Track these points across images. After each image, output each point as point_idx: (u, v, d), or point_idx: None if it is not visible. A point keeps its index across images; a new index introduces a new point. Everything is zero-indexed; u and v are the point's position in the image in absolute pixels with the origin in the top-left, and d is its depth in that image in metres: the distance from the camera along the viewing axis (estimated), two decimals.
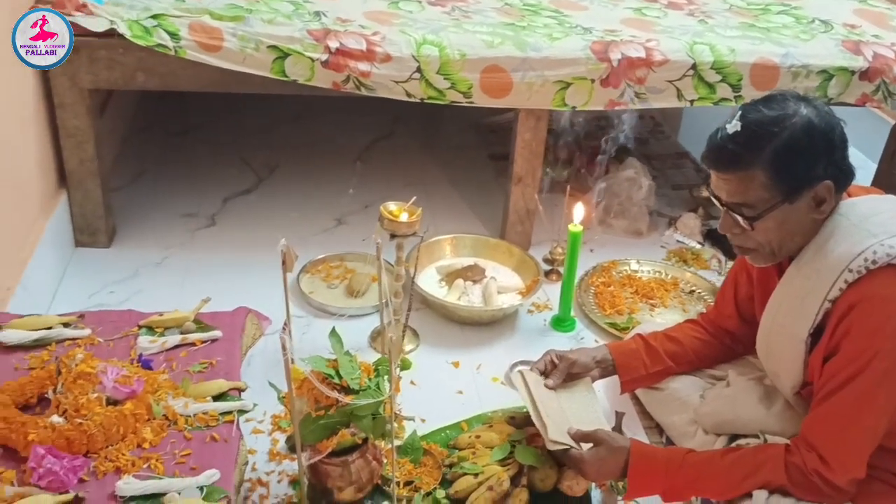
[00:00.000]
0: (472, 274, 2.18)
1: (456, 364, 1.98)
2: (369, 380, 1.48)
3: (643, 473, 1.41)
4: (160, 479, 1.34)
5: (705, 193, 2.36)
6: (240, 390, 1.58)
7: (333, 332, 1.54)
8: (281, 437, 1.73)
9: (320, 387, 1.40)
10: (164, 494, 1.31)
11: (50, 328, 1.63)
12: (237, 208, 2.53)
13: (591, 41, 2.16)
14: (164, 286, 2.15)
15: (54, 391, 1.44)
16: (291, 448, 1.66)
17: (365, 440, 1.54)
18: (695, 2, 2.56)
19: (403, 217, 1.81)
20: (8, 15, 1.16)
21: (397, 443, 1.70)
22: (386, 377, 1.47)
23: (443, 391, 1.90)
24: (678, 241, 2.46)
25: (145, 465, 1.37)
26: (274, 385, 1.57)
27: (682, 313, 2.16)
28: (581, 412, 1.60)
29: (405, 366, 1.64)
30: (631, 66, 2.14)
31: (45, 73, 2.02)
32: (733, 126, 1.30)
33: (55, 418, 1.38)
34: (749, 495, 1.34)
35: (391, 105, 2.09)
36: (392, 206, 1.84)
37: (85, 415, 1.38)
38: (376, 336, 2.00)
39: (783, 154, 1.27)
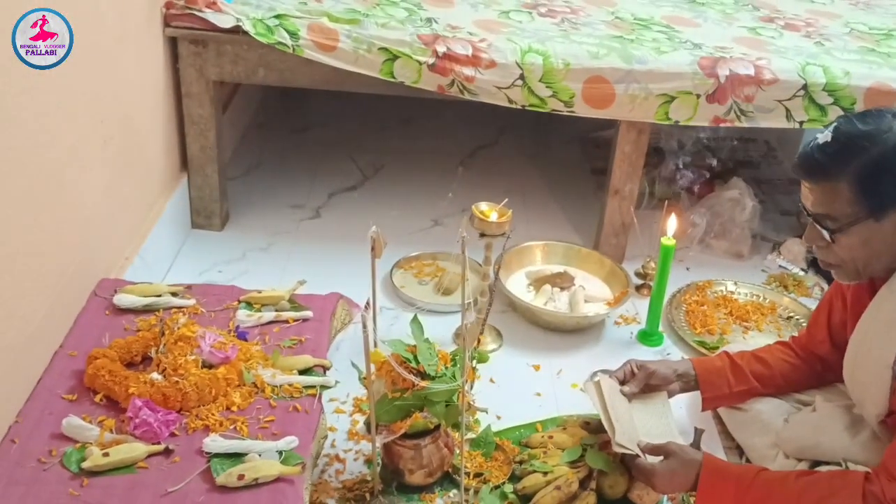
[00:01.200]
0: (561, 281, 2.20)
1: (537, 367, 2.01)
2: (445, 368, 1.54)
3: (713, 488, 1.39)
4: (243, 440, 1.44)
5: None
6: (325, 368, 1.66)
7: (415, 319, 1.61)
8: (361, 419, 1.81)
9: (398, 368, 1.46)
10: (245, 454, 1.40)
11: (159, 296, 1.76)
12: (341, 203, 2.65)
13: (700, 56, 2.15)
14: (267, 269, 2.27)
15: (157, 351, 1.57)
16: (369, 429, 1.72)
17: (437, 427, 1.59)
18: (813, 24, 2.50)
19: (493, 217, 1.85)
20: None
21: (470, 435, 1.74)
22: (461, 367, 1.51)
23: (521, 392, 1.93)
24: (780, 267, 2.40)
25: (231, 427, 1.47)
26: (356, 365, 1.64)
27: (776, 339, 2.10)
28: (652, 423, 1.60)
29: (482, 359, 1.68)
30: (739, 83, 2.12)
31: (175, 65, 2.19)
32: (825, 137, 1.29)
33: (155, 375, 1.50)
34: None
35: (497, 115, 2.13)
36: (483, 206, 1.89)
37: (182, 374, 1.50)
38: (460, 333, 2.03)
39: (871, 170, 1.26)
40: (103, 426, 1.43)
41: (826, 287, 2.33)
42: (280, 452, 1.42)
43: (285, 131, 3.07)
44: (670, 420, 1.62)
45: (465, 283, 1.48)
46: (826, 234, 1.32)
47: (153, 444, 1.40)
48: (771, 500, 1.36)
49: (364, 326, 1.36)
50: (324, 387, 1.61)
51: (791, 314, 2.22)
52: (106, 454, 1.35)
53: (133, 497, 1.31)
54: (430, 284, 2.26)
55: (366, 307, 1.40)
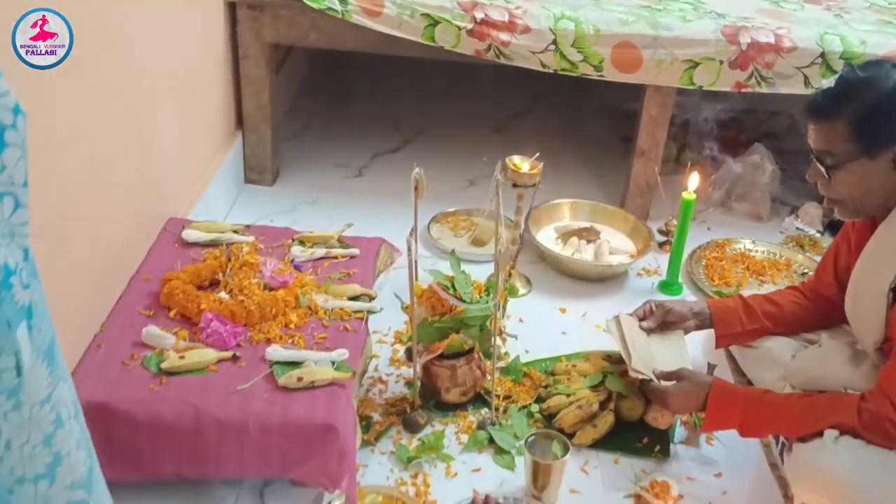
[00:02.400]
0: (587, 234, 2.34)
1: (563, 310, 2.15)
2: (480, 297, 1.71)
3: (722, 407, 1.52)
4: (300, 350, 1.62)
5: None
6: (370, 297, 1.84)
7: (452, 253, 1.78)
8: (401, 348, 1.98)
9: (439, 290, 1.63)
10: (302, 362, 1.58)
11: (222, 232, 1.95)
12: (383, 164, 2.83)
13: (723, 25, 2.28)
14: (315, 221, 2.44)
15: (224, 275, 1.76)
16: (408, 356, 1.90)
17: (471, 349, 1.76)
18: None
19: (525, 168, 2.01)
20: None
21: (500, 364, 1.90)
22: (494, 294, 1.68)
23: (548, 330, 2.07)
24: (798, 229, 2.51)
25: (290, 341, 1.65)
26: (398, 296, 1.84)
27: None
28: (668, 356, 1.72)
29: (512, 292, 1.84)
30: (760, 50, 2.25)
31: (234, 28, 2.37)
32: (829, 82, 1.44)
33: (223, 294, 1.70)
34: (820, 434, 1.43)
35: (531, 86, 2.22)
36: (516, 158, 2.05)
37: (246, 294, 1.69)
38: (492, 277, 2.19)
39: (866, 112, 1.39)
40: (178, 336, 1.62)
41: None
42: (333, 362, 1.60)
43: (332, 99, 3.26)
44: (685, 355, 1.73)
45: (500, 215, 1.64)
46: (824, 171, 1.45)
47: (223, 351, 1.59)
48: (774, 418, 1.50)
49: (409, 251, 1.54)
50: (370, 311, 1.78)
51: (805, 270, 2.32)
52: (182, 357, 1.55)
53: (206, 393, 1.51)
54: (465, 237, 2.42)
55: (410, 234, 1.58)
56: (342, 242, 2.00)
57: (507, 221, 2.14)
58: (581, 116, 3.25)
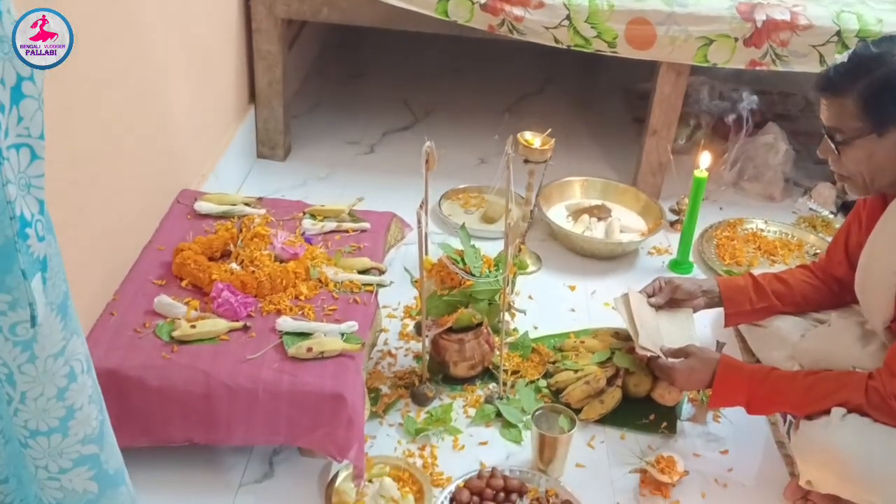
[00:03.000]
0: (599, 212, 2.35)
1: (572, 287, 2.16)
2: (489, 271, 1.71)
3: (729, 383, 1.53)
4: (310, 322, 1.63)
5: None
6: (380, 270, 1.84)
7: (463, 227, 1.78)
8: (410, 323, 1.99)
9: (450, 265, 1.64)
10: (312, 333, 1.60)
11: (234, 205, 1.96)
12: (394, 141, 2.83)
13: (738, 2, 2.26)
14: (326, 196, 2.45)
15: (235, 245, 1.77)
16: (418, 331, 1.90)
17: (480, 324, 1.76)
18: None
19: (536, 143, 2.00)
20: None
21: (509, 339, 1.91)
22: (504, 268, 1.68)
23: (557, 307, 2.09)
24: (811, 209, 2.50)
25: (300, 312, 1.66)
26: (408, 270, 1.84)
27: None
28: (676, 334, 1.72)
29: (521, 266, 1.84)
30: (775, 27, 2.22)
31: (247, 3, 2.37)
32: (842, 58, 1.42)
33: (234, 265, 1.71)
34: (827, 412, 1.44)
35: (543, 67, 2.19)
36: (528, 134, 2.04)
37: (257, 265, 1.70)
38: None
39: (875, 89, 1.37)
40: (189, 305, 1.64)
41: None
42: (342, 334, 1.61)
43: (343, 76, 3.27)
44: (693, 332, 1.74)
45: (510, 191, 1.65)
46: (833, 147, 1.44)
47: (233, 321, 1.61)
48: (781, 395, 1.50)
49: (419, 223, 1.55)
50: (380, 285, 1.79)
51: (817, 251, 2.31)
52: (193, 326, 1.56)
53: (218, 362, 1.52)
54: (476, 214, 2.42)
55: (420, 206, 1.58)
56: (353, 216, 2.00)
57: (518, 198, 2.14)
58: (593, 97, 3.24)
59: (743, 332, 1.88)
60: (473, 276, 1.67)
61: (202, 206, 1.94)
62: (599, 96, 3.23)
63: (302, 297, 1.70)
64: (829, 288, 1.73)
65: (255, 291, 1.68)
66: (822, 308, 1.74)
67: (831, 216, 2.49)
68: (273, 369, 1.52)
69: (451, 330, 1.74)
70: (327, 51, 3.41)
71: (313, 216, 1.98)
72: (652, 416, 1.73)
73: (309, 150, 2.72)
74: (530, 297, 2.11)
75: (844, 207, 2.38)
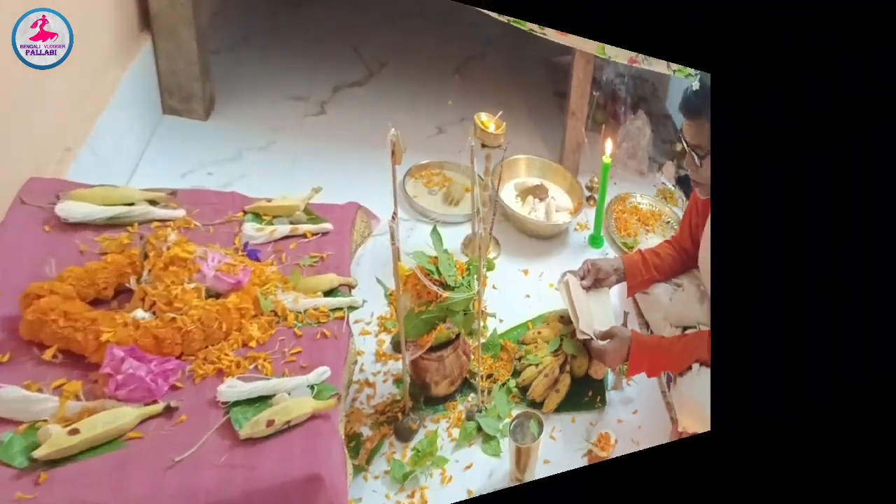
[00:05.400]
0: (539, 192, 2.40)
1: (526, 272, 2.14)
2: (462, 277, 1.57)
3: (638, 356, 1.77)
4: (268, 379, 1.22)
5: (678, 148, 2.71)
6: (350, 287, 1.45)
7: (434, 231, 1.60)
8: (387, 338, 1.72)
9: (426, 281, 1.45)
10: (271, 396, 1.20)
11: (130, 204, 1.42)
12: (348, 99, 2.40)
13: None
14: (270, 173, 2.02)
15: (138, 280, 1.28)
16: (395, 348, 1.72)
17: (457, 336, 1.63)
18: None
19: (491, 128, 1.87)
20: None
21: (482, 341, 1.80)
22: (476, 276, 1.55)
23: (515, 294, 2.05)
24: (662, 183, 2.82)
25: (252, 366, 1.26)
26: (381, 281, 1.64)
27: (664, 239, 2.38)
28: (600, 312, 1.93)
29: (490, 267, 1.89)
30: None
31: None
32: (695, 85, 1.61)
33: (139, 313, 1.23)
34: (690, 367, 1.72)
35: (482, 28, 2.11)
36: (484, 116, 1.90)
37: (179, 308, 1.24)
38: (468, 243, 2.13)
39: None
40: (64, 393, 1.13)
41: (685, 198, 2.71)
42: (311, 387, 1.25)
43: (276, 1, 2.71)
44: (610, 309, 1.96)
45: (476, 192, 1.49)
46: (696, 160, 1.65)
47: (147, 404, 1.15)
48: (665, 359, 1.77)
49: (392, 238, 1.20)
50: (351, 307, 1.43)
51: (669, 220, 2.61)
52: (74, 431, 1.07)
53: (124, 480, 1.06)
54: (439, 194, 2.29)
55: (392, 218, 1.26)
56: (310, 213, 1.58)
57: (479, 180, 2.04)
58: (524, 66, 2.95)
59: (637, 299, 2.10)
60: (450, 288, 1.52)
61: (72, 208, 1.37)
62: (528, 67, 2.95)
63: (252, 344, 1.30)
64: (682, 258, 2.01)
65: (180, 348, 1.22)
66: (680, 273, 2.02)
67: (672, 188, 2.77)
68: (218, 468, 1.10)
69: (430, 349, 1.58)
70: None
71: (257, 216, 1.52)
72: (590, 393, 1.89)
73: (240, 105, 2.22)
74: (494, 287, 2.03)
75: (680, 181, 2.81)
